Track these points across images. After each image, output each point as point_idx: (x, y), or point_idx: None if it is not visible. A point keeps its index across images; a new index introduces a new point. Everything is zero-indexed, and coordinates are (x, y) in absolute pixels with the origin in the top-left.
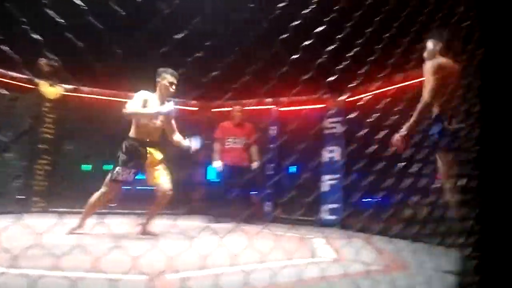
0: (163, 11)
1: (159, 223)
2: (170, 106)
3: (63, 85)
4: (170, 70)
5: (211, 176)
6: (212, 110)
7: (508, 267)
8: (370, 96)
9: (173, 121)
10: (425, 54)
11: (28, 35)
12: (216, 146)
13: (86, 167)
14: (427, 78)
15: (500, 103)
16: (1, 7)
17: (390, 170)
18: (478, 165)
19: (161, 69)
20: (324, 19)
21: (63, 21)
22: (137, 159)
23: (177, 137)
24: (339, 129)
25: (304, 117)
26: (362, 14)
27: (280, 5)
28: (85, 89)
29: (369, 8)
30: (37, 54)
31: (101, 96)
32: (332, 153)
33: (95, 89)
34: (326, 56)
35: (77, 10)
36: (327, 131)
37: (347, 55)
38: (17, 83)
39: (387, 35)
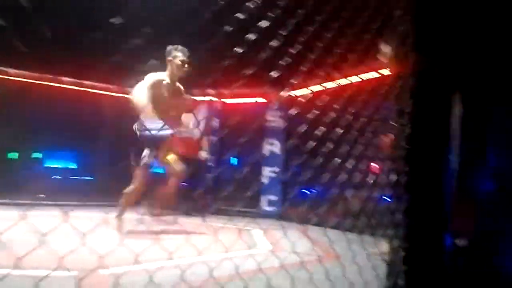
0: None
1: (92, 216)
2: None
3: None
4: (180, 47)
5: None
6: None
7: (433, 257)
8: (311, 93)
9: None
10: (384, 58)
11: None
12: None
13: (12, 155)
14: None
15: (430, 105)
16: None
17: (327, 164)
18: (409, 161)
19: (171, 47)
20: (270, 14)
21: None
22: (153, 143)
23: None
24: (280, 123)
25: (247, 111)
26: (306, 13)
27: None
28: (12, 71)
29: (313, 7)
30: None
31: (30, 79)
32: (272, 146)
33: (22, 72)
34: (270, 51)
35: None
36: (268, 125)
37: (290, 51)
38: None
39: (330, 34)
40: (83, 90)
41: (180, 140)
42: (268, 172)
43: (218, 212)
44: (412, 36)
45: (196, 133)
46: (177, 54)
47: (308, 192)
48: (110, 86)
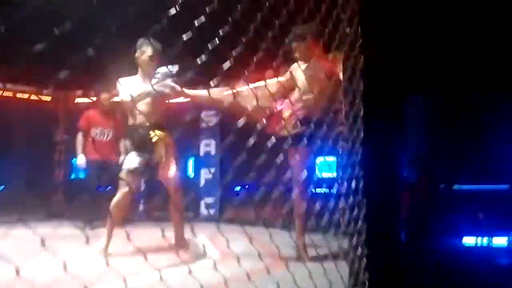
0: None
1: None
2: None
3: None
4: (149, 40)
5: (77, 174)
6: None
7: (393, 262)
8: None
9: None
10: (297, 55)
11: None
12: (80, 138)
13: None
14: (314, 77)
15: (381, 108)
16: None
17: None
18: (363, 167)
19: (140, 41)
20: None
21: None
22: (143, 145)
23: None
24: (215, 122)
25: (180, 109)
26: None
27: None
28: None
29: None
30: None
31: None
32: (208, 146)
33: None
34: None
35: None
36: (203, 124)
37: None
38: None
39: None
40: None
41: (94, 144)
42: (204, 174)
43: (151, 219)
44: (361, 39)
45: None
46: (146, 49)
47: (246, 191)
48: (25, 88)
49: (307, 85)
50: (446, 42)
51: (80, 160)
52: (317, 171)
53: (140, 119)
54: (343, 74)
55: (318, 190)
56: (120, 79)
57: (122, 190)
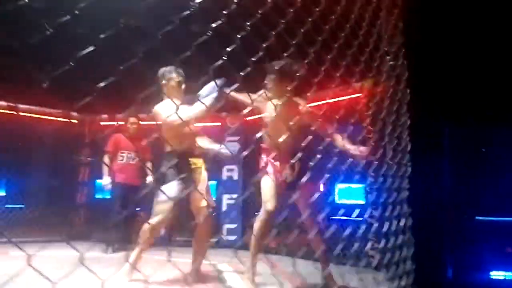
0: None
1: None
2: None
3: None
4: (173, 67)
5: (101, 194)
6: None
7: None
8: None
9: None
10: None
11: None
12: (106, 160)
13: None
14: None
15: (429, 143)
16: None
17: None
18: (412, 205)
19: (164, 69)
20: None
21: None
22: (186, 172)
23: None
24: (237, 147)
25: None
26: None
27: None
28: None
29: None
30: None
31: None
32: (230, 172)
33: None
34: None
35: None
36: (226, 150)
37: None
38: None
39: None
40: (17, 114)
41: (120, 167)
42: (226, 200)
43: (174, 244)
44: (408, 72)
45: (139, 158)
46: (172, 76)
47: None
48: (48, 110)
49: (277, 123)
50: (483, 75)
51: (106, 181)
52: (336, 198)
53: (182, 145)
54: (388, 107)
55: (337, 217)
56: (157, 106)
57: (160, 217)
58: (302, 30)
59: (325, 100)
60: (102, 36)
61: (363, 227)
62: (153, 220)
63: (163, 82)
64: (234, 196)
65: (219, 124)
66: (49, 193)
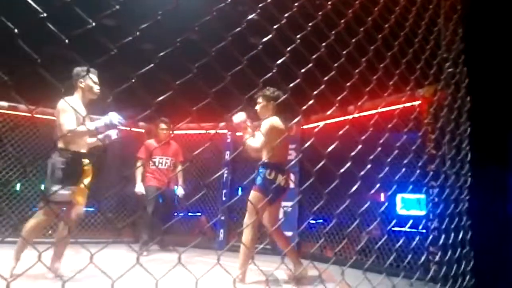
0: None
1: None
2: (114, 119)
3: None
4: (88, 68)
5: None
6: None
7: None
8: (324, 124)
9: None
10: (258, 109)
11: None
12: (139, 167)
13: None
14: (259, 132)
15: (490, 152)
16: None
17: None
18: (471, 216)
19: (80, 68)
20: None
21: None
22: (76, 174)
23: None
24: (294, 156)
25: None
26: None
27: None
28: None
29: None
30: None
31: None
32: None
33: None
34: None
35: None
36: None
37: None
38: None
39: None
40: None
41: (152, 172)
42: (283, 207)
43: (231, 249)
44: (468, 78)
45: (171, 163)
46: (89, 76)
47: (324, 225)
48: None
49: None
50: None
51: (138, 188)
52: (398, 208)
53: (75, 145)
54: (446, 115)
55: (399, 228)
56: (63, 101)
57: (41, 218)
58: (355, 38)
59: (382, 108)
60: (161, 54)
61: (422, 238)
62: (33, 219)
63: (79, 79)
64: (290, 204)
65: None
66: (117, 198)
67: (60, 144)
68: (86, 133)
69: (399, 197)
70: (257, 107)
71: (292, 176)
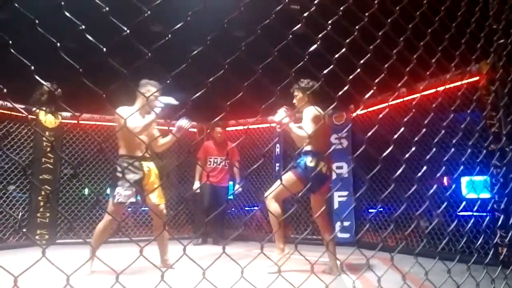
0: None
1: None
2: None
3: (61, 112)
4: (154, 82)
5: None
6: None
7: None
8: (374, 110)
9: (155, 130)
10: (296, 103)
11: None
12: (198, 166)
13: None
14: (305, 121)
15: None
16: None
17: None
18: None
19: (145, 81)
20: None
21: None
22: (134, 175)
23: (162, 140)
24: (345, 144)
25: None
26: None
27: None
28: (85, 115)
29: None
30: (31, 82)
31: (101, 122)
32: (340, 169)
33: (95, 116)
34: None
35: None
36: (334, 147)
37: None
38: (13, 113)
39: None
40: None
41: (209, 171)
42: (337, 196)
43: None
44: None
45: (225, 162)
46: (151, 88)
47: (381, 214)
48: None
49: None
50: None
51: (196, 185)
52: (464, 192)
53: (132, 149)
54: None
55: (465, 213)
56: (122, 107)
57: (108, 218)
58: (391, 18)
59: (436, 88)
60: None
61: (489, 221)
62: (103, 220)
63: (142, 90)
64: (345, 193)
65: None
66: (178, 196)
67: (121, 151)
68: (170, 143)
69: (463, 180)
70: (294, 100)
71: (334, 166)
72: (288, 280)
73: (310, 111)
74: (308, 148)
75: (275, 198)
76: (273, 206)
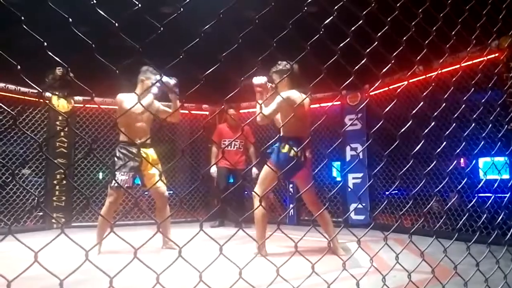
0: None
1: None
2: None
3: (74, 96)
4: (153, 69)
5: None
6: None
7: None
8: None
9: (159, 105)
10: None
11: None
12: (213, 149)
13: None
14: (275, 101)
15: None
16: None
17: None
18: None
19: (146, 67)
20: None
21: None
22: (132, 162)
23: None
24: (359, 125)
25: (323, 115)
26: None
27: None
28: (97, 99)
29: None
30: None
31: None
32: (354, 151)
33: (107, 99)
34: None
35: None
36: (347, 128)
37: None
38: (26, 97)
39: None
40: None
41: (224, 153)
42: (352, 179)
43: (302, 223)
44: None
45: (240, 145)
46: (150, 76)
47: (396, 196)
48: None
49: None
50: None
51: (212, 169)
52: (480, 173)
53: (132, 135)
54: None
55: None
56: (122, 94)
57: (110, 201)
58: None
59: (454, 66)
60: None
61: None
62: (105, 204)
63: (142, 77)
64: (360, 175)
65: (339, 103)
66: (191, 179)
67: (121, 137)
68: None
69: (481, 161)
70: (272, 84)
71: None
72: (305, 257)
73: (284, 95)
74: (282, 133)
75: (261, 193)
76: (258, 208)
